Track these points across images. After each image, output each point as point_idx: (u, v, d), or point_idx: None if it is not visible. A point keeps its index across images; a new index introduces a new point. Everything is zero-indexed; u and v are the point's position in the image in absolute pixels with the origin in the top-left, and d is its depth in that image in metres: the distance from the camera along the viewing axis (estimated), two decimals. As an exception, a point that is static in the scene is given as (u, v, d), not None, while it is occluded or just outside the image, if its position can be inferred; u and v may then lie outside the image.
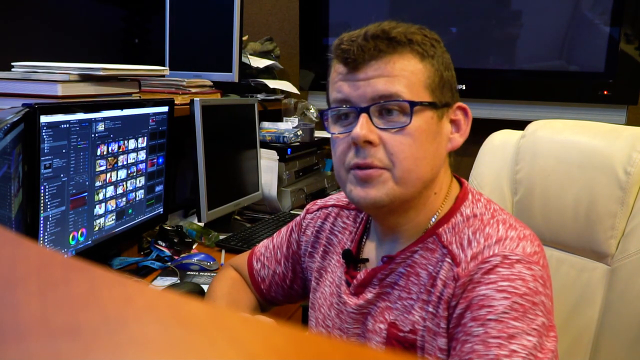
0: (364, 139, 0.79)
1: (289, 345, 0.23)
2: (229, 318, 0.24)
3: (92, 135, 1.26)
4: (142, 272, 1.45)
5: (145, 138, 1.49)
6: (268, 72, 2.43)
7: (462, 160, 1.08)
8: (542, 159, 1.14)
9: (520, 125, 1.26)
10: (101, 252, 1.38)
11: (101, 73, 1.30)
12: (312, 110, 2.48)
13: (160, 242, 1.59)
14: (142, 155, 1.49)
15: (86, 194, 1.27)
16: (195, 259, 1.50)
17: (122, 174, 1.41)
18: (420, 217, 0.86)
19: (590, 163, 1.08)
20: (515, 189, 1.17)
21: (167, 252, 1.56)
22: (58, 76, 1.24)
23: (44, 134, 1.11)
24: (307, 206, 1.08)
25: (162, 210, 1.64)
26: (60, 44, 1.92)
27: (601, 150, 1.08)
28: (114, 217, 1.40)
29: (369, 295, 0.88)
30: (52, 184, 1.15)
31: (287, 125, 2.25)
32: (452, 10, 2.42)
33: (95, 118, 1.26)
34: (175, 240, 1.61)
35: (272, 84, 2.34)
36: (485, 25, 2.39)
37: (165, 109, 1.57)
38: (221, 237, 1.70)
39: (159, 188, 1.61)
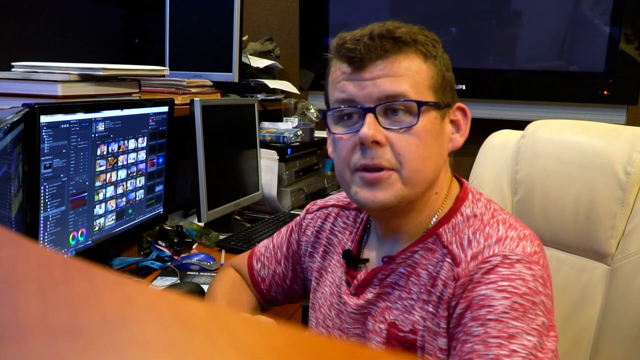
0: (372, 139, 0.79)
1: (289, 345, 0.23)
2: (229, 318, 0.24)
3: (92, 135, 1.26)
4: (142, 272, 1.45)
5: (145, 138, 1.49)
6: (268, 72, 2.43)
7: (462, 160, 1.08)
8: (542, 159, 1.14)
9: (520, 125, 1.26)
10: (101, 252, 1.38)
11: (101, 73, 1.30)
12: (312, 110, 2.48)
13: (160, 242, 1.59)
14: (142, 155, 1.49)
15: (86, 194, 1.27)
16: (195, 259, 1.49)
17: (122, 174, 1.41)
18: (422, 217, 0.86)
19: (591, 163, 1.08)
20: (515, 189, 1.17)
21: (167, 252, 1.56)
22: (58, 76, 1.24)
23: (44, 134, 1.11)
24: (307, 206, 1.08)
25: (162, 210, 1.64)
26: (60, 44, 1.92)
27: (601, 151, 1.08)
28: (114, 217, 1.40)
29: (369, 295, 0.88)
30: (52, 184, 1.15)
31: (287, 125, 2.25)
32: (452, 10, 2.42)
33: (95, 118, 1.26)
34: (175, 240, 1.61)
35: (272, 84, 2.34)
36: (485, 25, 2.39)
37: (165, 109, 1.57)
38: (221, 237, 1.70)
39: (159, 188, 1.61)
